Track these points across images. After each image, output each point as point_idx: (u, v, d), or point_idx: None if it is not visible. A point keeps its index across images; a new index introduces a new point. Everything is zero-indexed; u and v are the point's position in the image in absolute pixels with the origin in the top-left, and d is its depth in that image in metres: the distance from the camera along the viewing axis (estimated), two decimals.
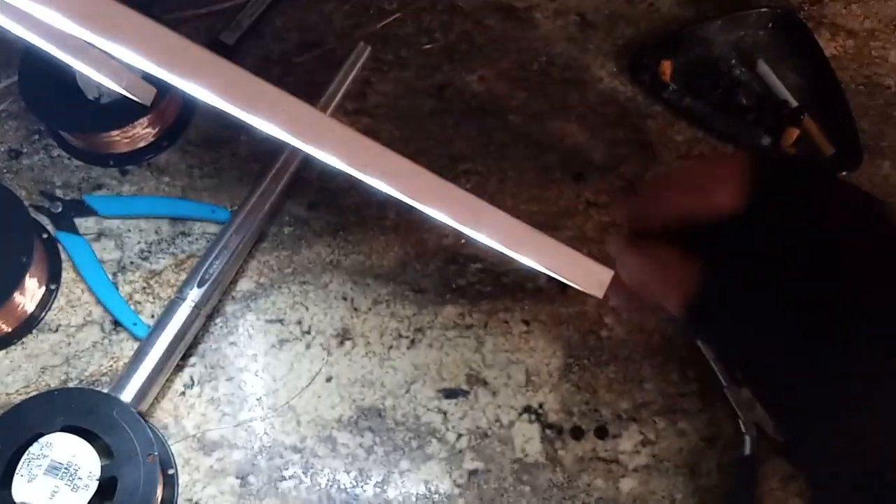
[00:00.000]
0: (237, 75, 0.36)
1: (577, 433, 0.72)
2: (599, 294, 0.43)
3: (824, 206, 0.40)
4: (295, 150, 0.80)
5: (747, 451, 0.71)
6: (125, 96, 0.77)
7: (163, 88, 0.77)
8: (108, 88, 0.77)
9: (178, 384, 0.72)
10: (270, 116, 0.36)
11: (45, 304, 0.74)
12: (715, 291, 0.40)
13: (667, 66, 0.86)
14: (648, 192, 0.47)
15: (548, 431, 0.72)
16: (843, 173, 0.83)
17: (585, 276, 0.42)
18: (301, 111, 0.37)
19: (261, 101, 0.36)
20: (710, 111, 0.86)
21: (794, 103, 0.85)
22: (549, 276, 0.77)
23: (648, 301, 0.42)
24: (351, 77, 0.85)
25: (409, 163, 0.39)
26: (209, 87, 0.36)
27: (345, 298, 0.76)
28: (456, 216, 0.40)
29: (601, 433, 0.72)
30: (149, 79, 0.75)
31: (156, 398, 0.70)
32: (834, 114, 0.85)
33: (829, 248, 0.38)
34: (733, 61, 0.88)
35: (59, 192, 0.79)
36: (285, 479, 0.69)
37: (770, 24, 0.90)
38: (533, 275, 0.78)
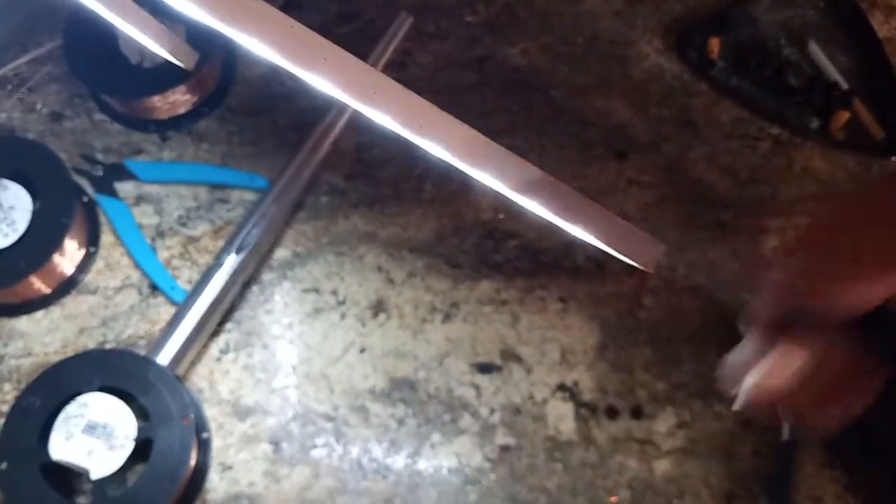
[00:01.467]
0: (294, 30, 0.35)
1: (612, 413, 0.72)
2: (650, 269, 0.42)
3: None
4: (334, 120, 0.79)
5: (786, 436, 0.70)
6: (167, 62, 0.77)
7: (205, 54, 0.77)
8: (151, 53, 0.77)
9: (213, 350, 0.72)
10: (327, 74, 0.36)
11: (84, 266, 0.74)
12: None
13: (715, 44, 0.85)
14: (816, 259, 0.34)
15: (582, 410, 0.72)
16: (893, 158, 0.81)
17: (635, 249, 0.41)
18: (358, 69, 0.36)
19: (317, 58, 0.35)
20: (757, 91, 0.84)
21: (845, 86, 0.83)
22: (586, 255, 0.76)
23: (800, 411, 0.35)
24: (391, 48, 0.84)
25: (465, 126, 0.38)
26: (266, 41, 0.35)
27: (380, 270, 0.76)
28: (511, 184, 0.39)
29: (636, 413, 0.72)
30: (189, 43, 0.75)
31: (191, 363, 0.71)
32: (885, 97, 0.83)
33: None
34: (782, 41, 0.86)
35: (99, 156, 0.79)
36: (317, 447, 0.69)
37: (821, 4, 0.88)
38: (570, 253, 0.77)
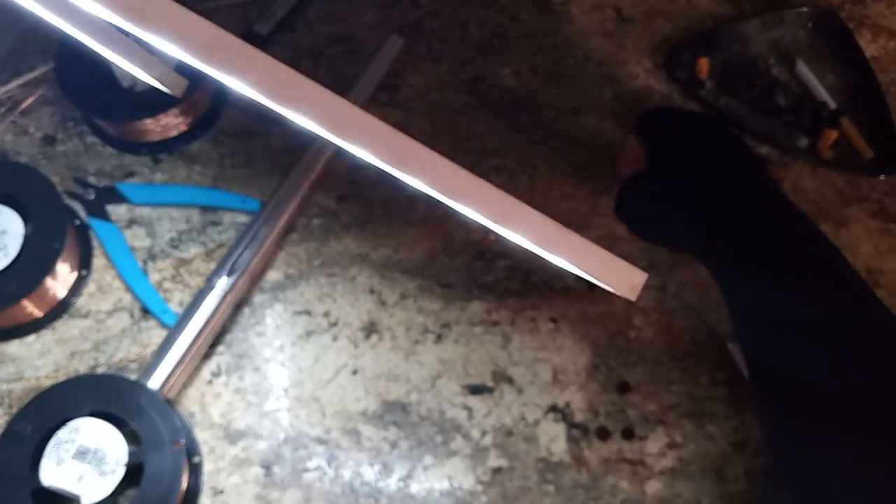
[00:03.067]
0: (273, 67, 0.36)
1: (603, 434, 0.72)
2: (632, 297, 0.43)
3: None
4: (325, 143, 0.79)
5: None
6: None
7: (195, 79, 0.77)
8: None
9: (205, 372, 0.72)
10: (306, 111, 0.36)
11: (75, 289, 0.74)
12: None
13: (704, 64, 0.85)
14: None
15: (573, 431, 0.72)
16: (882, 177, 0.81)
17: (618, 278, 0.42)
18: (338, 106, 0.36)
19: (296, 95, 0.36)
20: (746, 111, 0.85)
21: (833, 105, 0.84)
22: (576, 276, 0.76)
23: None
24: (383, 70, 0.85)
25: (444, 160, 0.38)
26: (245, 79, 0.35)
27: (372, 291, 0.76)
28: (489, 214, 0.39)
29: (627, 434, 0.72)
30: (181, 70, 0.75)
31: (183, 386, 0.71)
32: (873, 116, 0.84)
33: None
34: (771, 61, 0.87)
35: (92, 179, 0.79)
36: (309, 471, 0.69)
37: (810, 24, 0.89)
38: (561, 273, 0.78)
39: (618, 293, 0.42)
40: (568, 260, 0.41)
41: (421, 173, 0.38)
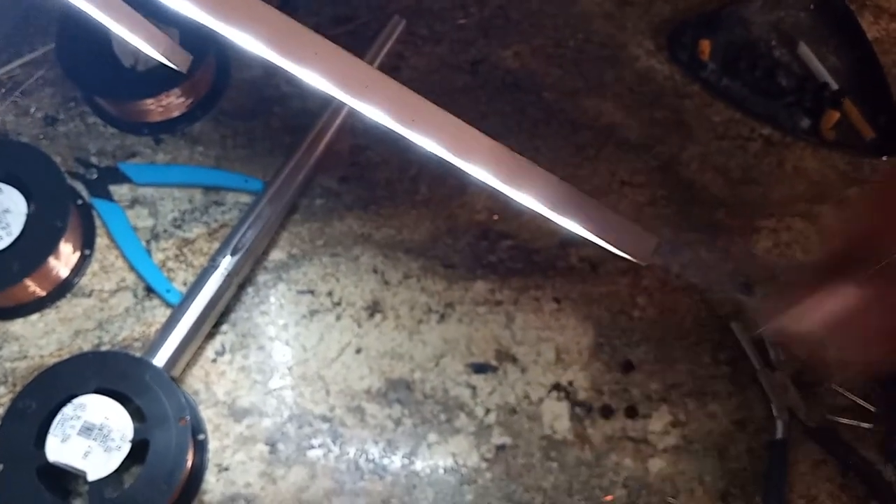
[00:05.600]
0: (286, 24, 0.35)
1: (607, 412, 0.72)
2: (644, 261, 0.43)
3: None
4: (327, 123, 0.80)
5: (779, 434, 0.70)
6: (161, 65, 0.77)
7: (198, 57, 0.77)
8: (145, 56, 0.77)
9: (209, 351, 0.72)
10: (318, 68, 0.36)
11: (79, 269, 0.74)
12: None
13: (706, 46, 0.85)
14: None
15: (577, 409, 0.72)
16: (884, 158, 0.82)
17: (630, 242, 0.41)
18: (349, 63, 0.36)
19: (308, 52, 0.35)
20: (748, 92, 0.85)
21: (835, 86, 0.84)
22: (580, 255, 0.77)
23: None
24: (385, 51, 0.85)
25: (456, 120, 0.38)
26: (258, 35, 0.35)
27: (375, 271, 0.76)
28: (501, 175, 0.39)
29: (631, 413, 0.72)
30: (185, 46, 0.75)
31: (187, 365, 0.71)
32: (875, 97, 0.84)
33: None
34: (773, 42, 0.87)
35: (94, 160, 0.79)
36: (314, 448, 0.69)
37: (811, 6, 0.89)
38: (564, 253, 0.78)
39: (630, 257, 0.42)
40: (580, 223, 0.41)
41: (432, 132, 0.38)
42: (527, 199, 0.41)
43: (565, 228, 0.77)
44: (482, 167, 0.39)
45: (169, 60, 0.63)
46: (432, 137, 0.38)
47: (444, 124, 0.38)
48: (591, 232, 0.42)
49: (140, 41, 0.59)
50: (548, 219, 0.78)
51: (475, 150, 0.39)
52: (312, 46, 0.36)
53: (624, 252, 0.42)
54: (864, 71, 0.85)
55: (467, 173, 0.41)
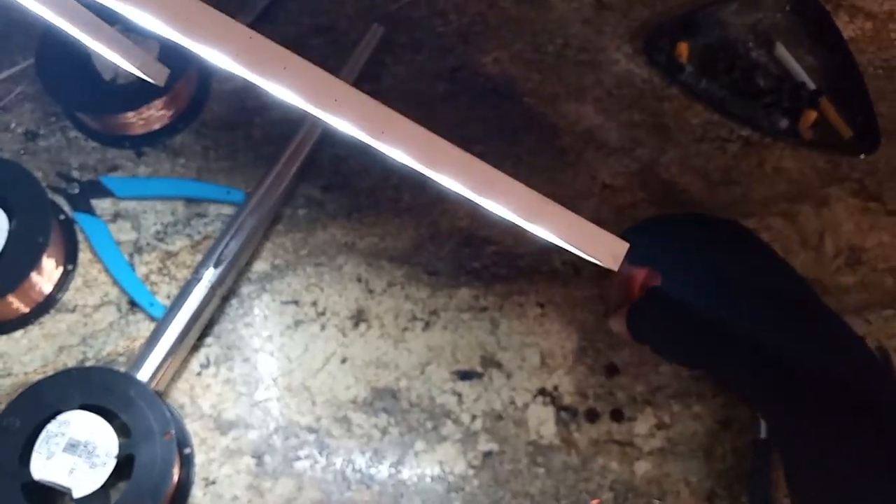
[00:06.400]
0: (254, 40, 0.35)
1: (592, 416, 0.72)
2: (615, 266, 0.43)
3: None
4: (309, 133, 0.80)
5: (762, 434, 0.71)
6: (140, 78, 0.77)
7: (177, 70, 0.77)
8: (124, 70, 0.77)
9: (194, 364, 0.72)
10: (286, 83, 0.36)
11: (62, 284, 0.74)
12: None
13: (683, 48, 0.86)
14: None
15: (562, 414, 0.72)
16: (862, 156, 0.82)
17: (601, 248, 0.42)
18: (317, 77, 0.36)
19: (276, 67, 0.35)
20: (726, 94, 0.85)
21: (812, 86, 0.85)
22: (563, 259, 0.77)
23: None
24: (364, 59, 0.85)
25: (425, 131, 0.38)
26: (226, 51, 0.35)
27: (359, 280, 0.77)
28: (471, 185, 0.39)
29: (616, 416, 0.72)
30: (162, 59, 0.75)
31: (172, 378, 0.71)
32: (852, 97, 0.85)
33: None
34: (750, 44, 0.88)
35: (75, 174, 0.79)
36: (300, 459, 0.69)
37: (788, 7, 0.89)
38: (548, 258, 0.78)
39: (600, 263, 0.43)
40: (551, 231, 0.42)
41: (400, 143, 0.38)
42: (497, 208, 0.41)
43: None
44: (451, 177, 0.39)
45: (145, 74, 0.63)
46: (401, 149, 0.38)
47: (413, 135, 0.38)
48: (562, 239, 0.42)
49: (115, 56, 0.59)
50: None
51: (444, 160, 0.39)
52: (281, 61, 0.36)
53: (594, 258, 0.43)
54: (840, 70, 0.86)
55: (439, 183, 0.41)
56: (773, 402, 0.59)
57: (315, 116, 0.79)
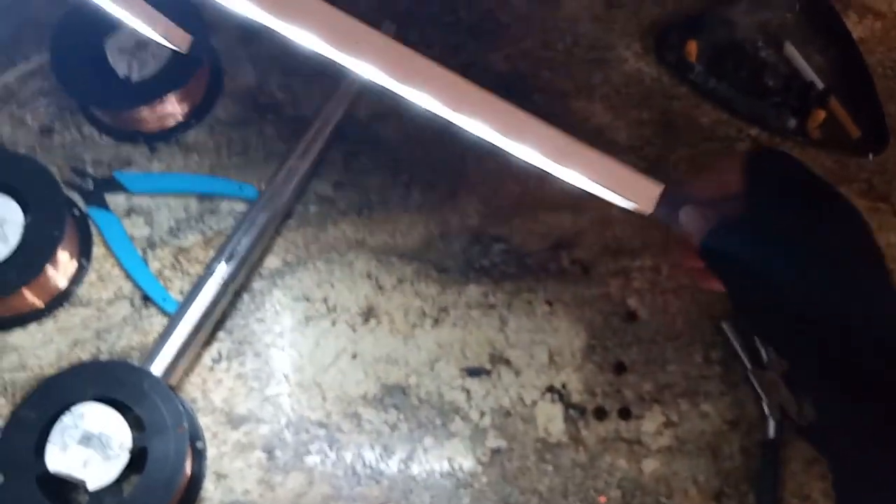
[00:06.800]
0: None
1: (600, 414, 0.73)
2: (649, 209, 0.42)
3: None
4: (321, 130, 0.80)
5: (771, 434, 0.72)
6: (155, 74, 0.78)
7: (191, 66, 0.78)
8: (139, 66, 0.78)
9: (206, 359, 0.73)
10: (305, 24, 0.36)
11: (76, 279, 0.75)
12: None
13: (692, 47, 0.86)
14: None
15: (571, 411, 0.73)
16: (870, 156, 0.83)
17: (636, 190, 0.41)
18: (336, 18, 0.36)
19: (295, 7, 0.35)
20: (735, 93, 0.86)
21: (821, 85, 0.85)
22: (571, 258, 0.77)
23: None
24: None
25: (449, 72, 0.38)
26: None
27: (370, 277, 0.77)
28: (499, 128, 0.38)
29: (624, 414, 0.73)
30: (179, 55, 0.75)
31: (184, 372, 0.72)
32: (860, 96, 0.85)
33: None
34: (759, 43, 0.88)
35: (89, 169, 0.80)
36: (311, 454, 0.70)
37: (797, 6, 0.90)
38: (556, 256, 0.79)
39: (633, 206, 0.42)
40: (580, 172, 0.40)
41: (423, 85, 0.38)
42: (524, 151, 0.40)
43: (556, 228, 0.78)
44: (479, 120, 0.39)
45: (167, 41, 0.63)
46: (426, 91, 0.38)
47: (436, 77, 0.38)
48: (594, 181, 0.41)
49: (138, 22, 0.59)
50: (540, 219, 0.79)
51: (470, 102, 0.38)
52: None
53: (628, 200, 0.42)
54: (849, 70, 0.86)
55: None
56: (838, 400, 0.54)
57: (327, 113, 0.79)
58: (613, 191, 0.42)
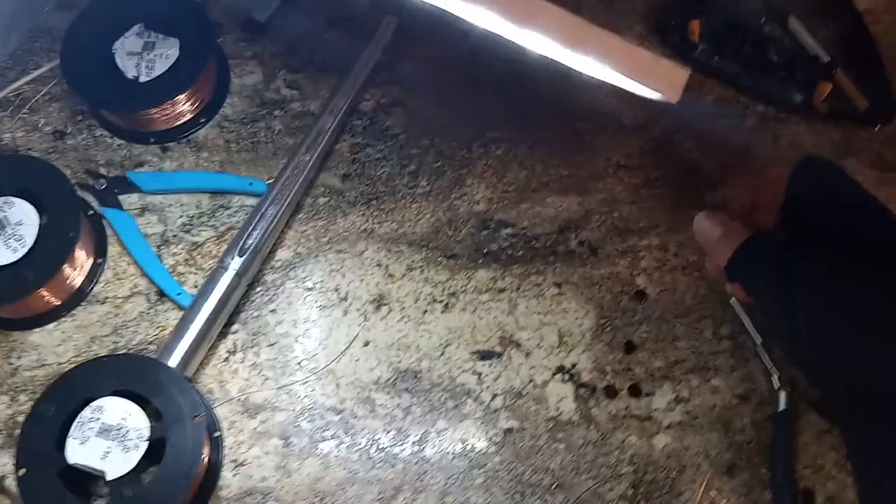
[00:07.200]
0: None
1: (611, 392, 0.73)
2: (675, 96, 0.40)
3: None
4: (328, 124, 0.81)
5: (782, 406, 0.72)
6: (163, 74, 0.80)
7: (198, 65, 0.80)
8: (147, 68, 0.79)
9: (221, 350, 0.74)
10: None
11: (92, 277, 0.77)
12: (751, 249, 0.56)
13: (695, 26, 0.86)
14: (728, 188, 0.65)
15: (581, 390, 0.73)
16: (878, 127, 0.82)
17: (656, 75, 0.38)
18: None
19: None
20: (740, 70, 0.85)
21: (826, 58, 0.84)
22: (579, 239, 0.78)
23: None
24: (381, 48, 0.86)
25: None
26: None
27: (379, 265, 0.78)
28: (509, 15, 0.37)
29: (634, 391, 0.73)
30: (183, 57, 0.77)
31: (200, 364, 0.73)
32: (867, 68, 0.84)
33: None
34: (763, 18, 0.88)
35: (102, 170, 0.81)
36: (326, 440, 0.71)
37: None
38: (564, 238, 0.79)
39: (658, 92, 0.40)
40: (599, 59, 0.38)
41: None
42: (537, 38, 0.38)
43: (563, 211, 0.78)
44: (488, 7, 0.37)
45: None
46: None
47: None
48: (612, 67, 0.38)
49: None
50: (547, 203, 0.79)
51: None
52: None
53: (652, 87, 0.40)
54: (854, 42, 0.86)
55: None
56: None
57: (333, 106, 0.80)
58: (636, 78, 0.39)
